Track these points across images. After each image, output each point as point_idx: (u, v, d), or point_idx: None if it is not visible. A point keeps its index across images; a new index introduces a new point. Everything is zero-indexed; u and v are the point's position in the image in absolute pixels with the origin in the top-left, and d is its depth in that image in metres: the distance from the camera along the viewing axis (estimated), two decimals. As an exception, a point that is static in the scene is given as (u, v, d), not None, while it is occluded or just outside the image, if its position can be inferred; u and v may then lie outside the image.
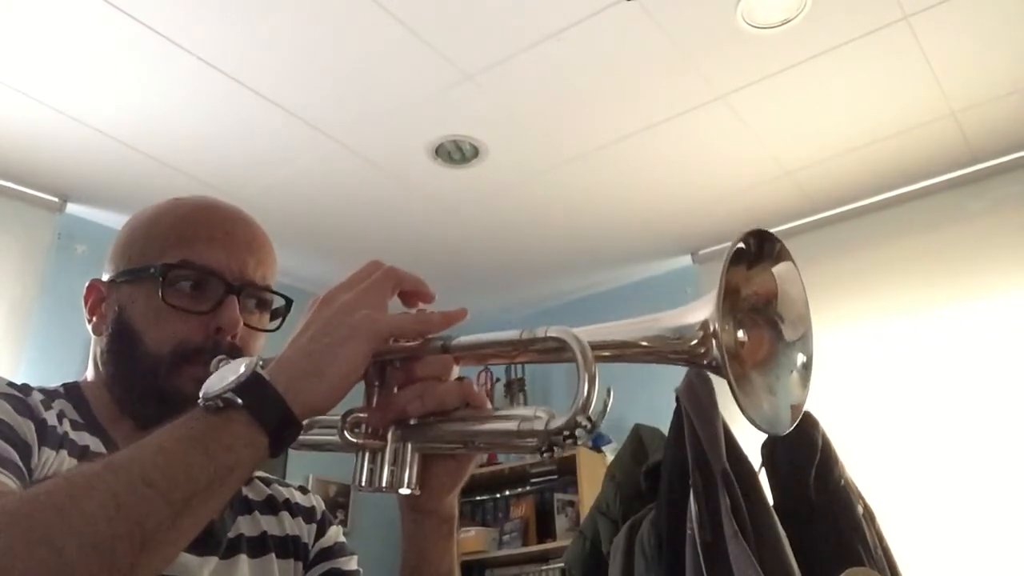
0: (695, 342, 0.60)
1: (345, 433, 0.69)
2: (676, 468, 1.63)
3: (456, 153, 3.14)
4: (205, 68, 2.62)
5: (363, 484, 0.69)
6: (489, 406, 0.72)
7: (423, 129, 3.00)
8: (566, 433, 0.60)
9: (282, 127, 2.92)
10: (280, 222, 3.35)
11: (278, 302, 0.92)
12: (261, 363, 0.64)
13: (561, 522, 3.82)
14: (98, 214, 3.38)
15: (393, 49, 2.57)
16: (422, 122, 2.95)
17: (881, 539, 1.73)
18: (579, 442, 0.61)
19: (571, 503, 3.84)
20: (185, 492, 0.57)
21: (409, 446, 0.70)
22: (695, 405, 1.62)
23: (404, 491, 0.70)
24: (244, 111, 2.83)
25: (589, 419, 0.59)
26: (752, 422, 0.59)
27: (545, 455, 0.63)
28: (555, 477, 3.98)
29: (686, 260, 3.96)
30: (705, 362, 0.60)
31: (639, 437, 2.09)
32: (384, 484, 0.69)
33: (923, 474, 3.02)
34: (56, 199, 3.27)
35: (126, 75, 2.66)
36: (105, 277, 0.90)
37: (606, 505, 1.99)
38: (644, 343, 0.64)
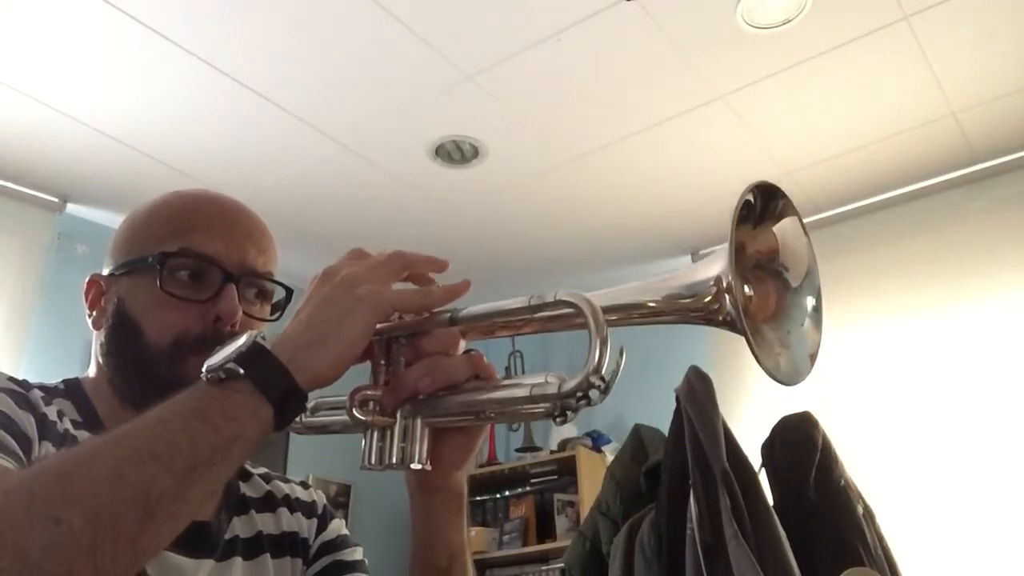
0: (708, 298, 0.59)
1: (354, 411, 0.68)
2: (676, 468, 1.63)
3: (456, 153, 3.14)
4: (205, 68, 2.62)
5: (373, 462, 0.69)
6: (498, 377, 0.71)
7: (423, 129, 3.00)
8: (579, 394, 0.60)
9: (282, 127, 2.92)
10: (280, 222, 3.34)
11: (279, 294, 0.92)
12: (263, 336, 0.64)
13: (561, 522, 3.82)
14: (98, 214, 3.38)
15: (393, 49, 2.57)
16: (422, 122, 2.95)
17: (881, 539, 1.72)
18: (592, 403, 0.60)
19: (571, 503, 3.84)
20: (188, 462, 0.56)
21: (419, 421, 0.69)
22: (695, 405, 1.62)
23: (416, 466, 0.69)
24: (244, 111, 2.83)
25: (602, 379, 0.59)
26: (770, 375, 0.58)
27: (558, 420, 0.63)
28: (555, 477, 3.98)
29: (686, 260, 3.96)
30: (720, 318, 0.59)
31: (639, 437, 2.08)
32: (395, 460, 0.68)
33: (923, 474, 3.01)
34: (56, 199, 3.26)
35: (126, 75, 2.66)
36: (105, 271, 0.90)
37: (606, 505, 1.98)
38: (654, 303, 0.63)
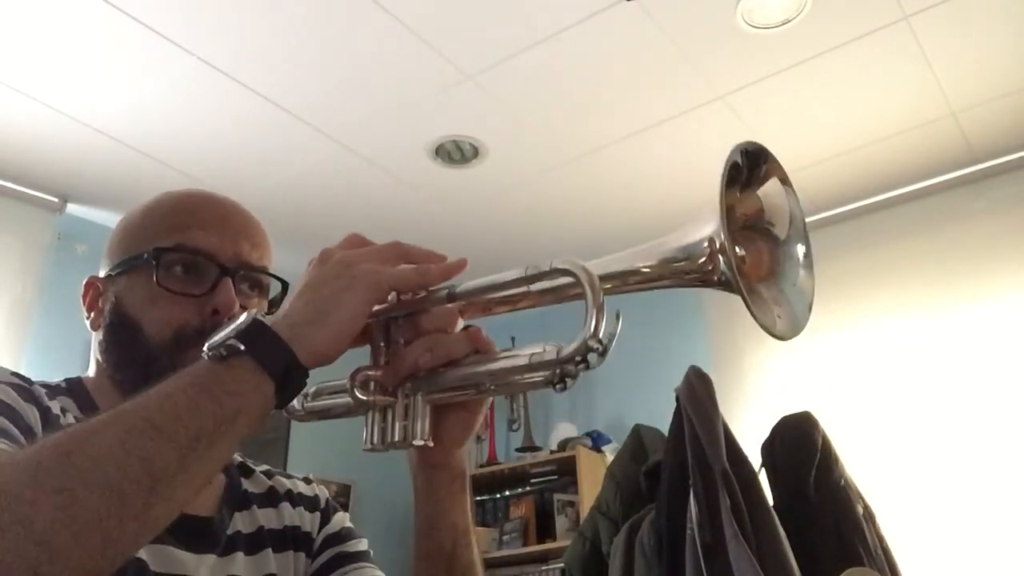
0: (703, 259, 0.60)
1: (355, 391, 0.69)
2: (676, 468, 1.63)
3: (456, 153, 3.14)
4: (205, 68, 2.62)
5: (376, 442, 0.69)
6: (497, 350, 0.71)
7: (423, 129, 3.00)
8: (578, 359, 0.60)
9: (282, 127, 2.92)
10: (280, 222, 3.35)
11: (275, 288, 0.92)
12: (263, 313, 0.64)
13: (561, 522, 3.82)
14: (98, 214, 3.38)
15: (393, 49, 2.57)
16: (422, 122, 2.95)
17: (881, 539, 1.73)
18: (591, 366, 0.60)
19: (571, 503, 3.84)
20: (192, 435, 0.57)
21: (420, 398, 0.70)
22: (695, 405, 1.62)
23: (418, 443, 0.69)
24: (244, 111, 2.83)
25: (600, 341, 0.59)
26: (768, 331, 0.59)
27: (558, 387, 0.63)
28: (555, 477, 3.98)
29: (686, 260, 3.95)
30: (715, 278, 0.60)
31: (639, 437, 2.09)
32: (397, 439, 0.69)
33: (923, 474, 3.01)
34: (56, 199, 3.26)
35: (126, 75, 2.66)
36: (102, 273, 0.90)
37: (606, 505, 1.99)
38: (649, 268, 0.64)
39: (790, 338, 0.62)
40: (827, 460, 1.73)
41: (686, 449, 1.58)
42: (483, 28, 2.51)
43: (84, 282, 0.91)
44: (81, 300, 0.91)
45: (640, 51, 2.62)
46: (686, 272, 0.61)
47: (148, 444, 0.55)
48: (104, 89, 2.71)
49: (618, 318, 0.61)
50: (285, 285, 0.92)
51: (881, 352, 3.29)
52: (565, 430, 3.97)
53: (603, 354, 0.59)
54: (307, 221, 3.53)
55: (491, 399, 0.77)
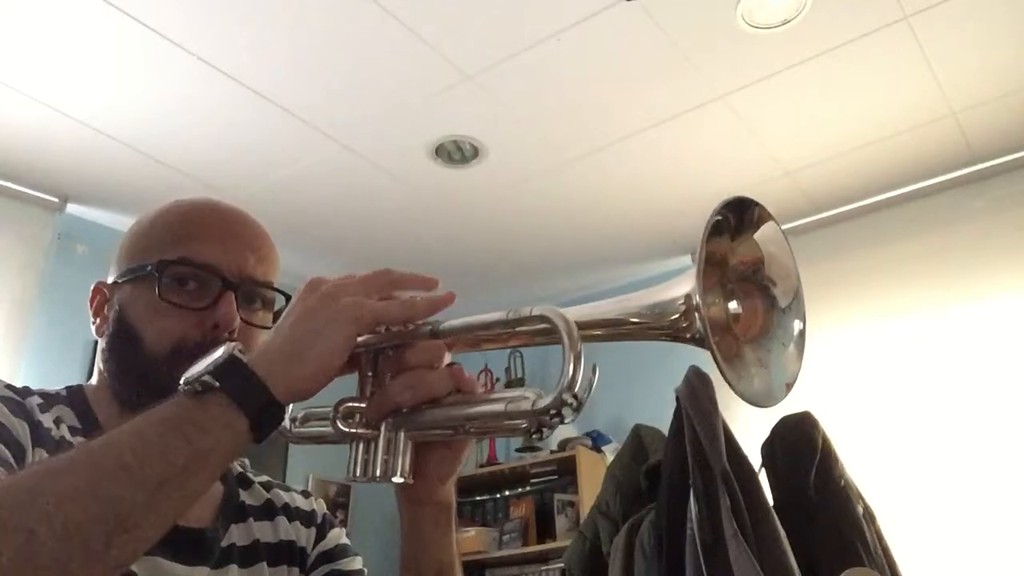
0: (676, 316, 0.60)
1: (338, 423, 0.69)
2: (676, 468, 1.63)
3: (456, 153, 3.14)
4: (205, 68, 2.62)
5: (358, 474, 0.69)
6: (480, 391, 0.71)
7: (423, 129, 3.00)
8: (552, 412, 0.60)
9: (282, 127, 2.92)
10: (280, 222, 3.35)
11: (280, 302, 0.92)
12: (240, 348, 0.64)
13: (561, 522, 3.82)
14: (98, 214, 3.38)
15: (393, 49, 2.57)
16: (422, 122, 2.95)
17: (881, 539, 1.72)
18: (566, 420, 0.61)
19: (571, 503, 3.84)
20: (160, 475, 0.56)
21: (402, 434, 0.70)
22: (695, 405, 1.61)
23: (398, 479, 0.69)
24: (244, 111, 2.83)
25: (575, 396, 0.59)
26: (741, 396, 0.59)
27: (534, 436, 0.63)
28: (555, 477, 3.98)
29: (686, 260, 3.96)
30: (688, 336, 0.59)
31: (639, 437, 2.08)
32: (378, 473, 0.69)
33: (923, 474, 3.01)
34: (56, 199, 3.26)
35: (126, 75, 2.66)
36: (109, 279, 0.90)
37: (606, 505, 1.98)
38: (630, 320, 0.64)
39: (761, 407, 0.60)
40: (827, 460, 1.73)
41: (686, 449, 1.58)
42: (483, 28, 2.51)
43: (92, 287, 0.91)
44: (88, 304, 0.91)
45: (640, 51, 2.62)
46: (660, 328, 0.61)
47: (114, 485, 0.55)
48: (104, 89, 2.71)
49: (594, 371, 0.61)
50: (288, 300, 0.92)
51: (880, 352, 3.29)
52: (565, 430, 3.97)
53: (578, 409, 0.60)
54: (307, 221, 3.53)
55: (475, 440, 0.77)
